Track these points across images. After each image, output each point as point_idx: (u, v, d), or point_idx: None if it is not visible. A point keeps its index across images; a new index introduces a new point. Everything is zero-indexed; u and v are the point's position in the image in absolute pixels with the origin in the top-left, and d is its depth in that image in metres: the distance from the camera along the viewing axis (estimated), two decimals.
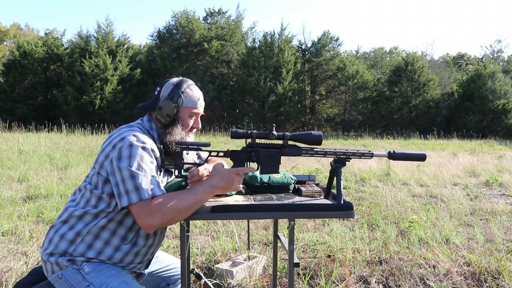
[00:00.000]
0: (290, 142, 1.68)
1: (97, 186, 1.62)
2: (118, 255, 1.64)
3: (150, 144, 1.60)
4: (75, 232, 1.61)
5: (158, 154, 1.62)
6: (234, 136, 1.65)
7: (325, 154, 1.67)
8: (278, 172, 1.72)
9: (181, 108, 1.72)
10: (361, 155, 1.70)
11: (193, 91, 1.76)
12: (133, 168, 1.50)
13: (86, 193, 1.66)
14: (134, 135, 1.58)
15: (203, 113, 1.84)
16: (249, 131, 1.64)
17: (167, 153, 1.69)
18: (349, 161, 1.69)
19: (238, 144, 10.22)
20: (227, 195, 1.80)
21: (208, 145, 1.69)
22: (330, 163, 1.69)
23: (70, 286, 1.59)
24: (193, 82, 1.81)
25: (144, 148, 1.55)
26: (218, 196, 1.77)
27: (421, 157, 1.73)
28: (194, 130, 1.84)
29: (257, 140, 1.68)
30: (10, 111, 22.20)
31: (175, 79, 1.77)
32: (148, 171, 1.53)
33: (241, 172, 1.61)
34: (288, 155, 1.67)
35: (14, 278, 2.82)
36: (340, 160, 1.67)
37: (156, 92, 1.76)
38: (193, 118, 1.79)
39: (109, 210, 1.61)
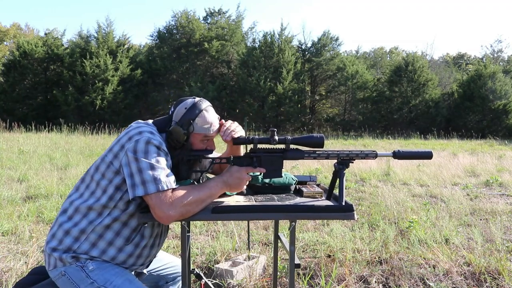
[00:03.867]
0: (292, 146, 1.67)
1: (105, 175, 1.61)
2: (121, 256, 1.65)
3: (165, 146, 1.61)
4: (79, 230, 1.61)
5: (169, 157, 1.64)
6: (236, 142, 1.66)
7: (327, 156, 1.66)
8: (282, 176, 1.72)
9: (192, 134, 1.68)
10: (365, 156, 1.68)
11: (206, 117, 1.68)
12: (152, 161, 1.52)
13: (91, 184, 1.65)
14: (151, 133, 1.59)
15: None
16: (251, 137, 1.64)
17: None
18: (352, 162, 1.68)
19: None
20: (226, 195, 1.80)
21: (210, 152, 1.70)
22: (334, 164, 1.68)
23: (73, 283, 1.59)
24: (209, 104, 1.72)
25: (159, 148, 1.57)
26: (220, 196, 1.78)
27: (427, 155, 1.69)
28: None
29: (259, 145, 1.67)
30: (10, 111, 22.20)
31: (189, 102, 1.69)
32: (164, 166, 1.55)
33: (251, 172, 1.65)
34: (290, 159, 1.67)
35: (14, 278, 2.81)
36: (343, 162, 1.66)
37: (170, 112, 1.71)
38: (205, 142, 1.74)
39: (111, 205, 1.60)
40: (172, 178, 1.56)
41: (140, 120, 1.73)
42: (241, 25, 29.02)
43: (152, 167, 1.52)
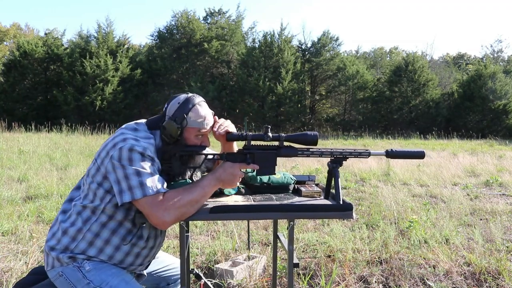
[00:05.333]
0: (286, 143, 1.68)
1: (94, 179, 1.62)
2: (118, 255, 1.65)
3: (150, 150, 1.59)
4: (76, 229, 1.62)
5: (157, 160, 1.62)
6: (230, 139, 1.66)
7: (321, 154, 1.67)
8: (275, 174, 1.72)
9: (185, 129, 1.66)
10: (358, 154, 1.69)
11: (199, 111, 1.67)
12: (137, 167, 1.52)
13: (85, 187, 1.67)
14: (136, 140, 1.58)
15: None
16: (245, 133, 1.64)
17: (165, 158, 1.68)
18: (345, 160, 1.69)
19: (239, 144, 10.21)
20: (224, 194, 1.80)
21: (204, 148, 1.70)
22: (327, 163, 1.69)
23: (70, 284, 1.60)
24: (202, 100, 1.72)
25: (143, 155, 1.55)
26: (218, 195, 1.77)
27: (420, 155, 1.70)
28: None
29: (253, 142, 1.67)
30: (10, 111, 22.18)
31: (182, 97, 1.69)
32: (150, 171, 1.55)
33: (245, 168, 1.64)
34: (284, 156, 1.67)
35: (14, 278, 2.82)
36: (336, 160, 1.67)
37: (164, 109, 1.71)
38: (200, 137, 1.72)
39: (101, 207, 1.61)
40: (160, 182, 1.54)
41: (132, 123, 1.72)
42: (241, 25, 29.02)
43: (138, 173, 1.51)
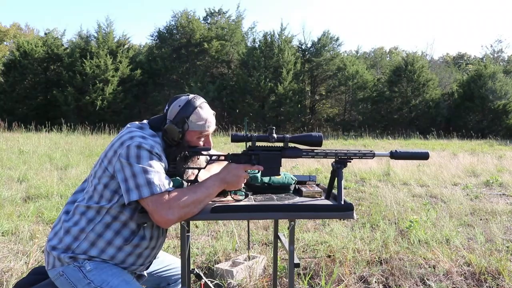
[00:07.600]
0: (290, 144, 1.68)
1: (101, 180, 1.61)
2: (120, 255, 1.65)
3: (157, 148, 1.60)
4: (79, 229, 1.62)
5: (164, 158, 1.63)
6: (234, 139, 1.66)
7: (326, 155, 1.66)
8: (280, 175, 1.72)
9: (187, 132, 1.66)
10: (362, 155, 1.68)
11: (201, 114, 1.67)
12: (144, 165, 1.52)
13: (90, 188, 1.66)
14: (143, 137, 1.58)
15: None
16: (249, 135, 1.64)
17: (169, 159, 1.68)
18: (350, 161, 1.68)
19: (239, 145, 10.21)
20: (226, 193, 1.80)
21: (208, 149, 1.70)
22: (332, 164, 1.68)
23: (71, 283, 1.60)
24: (203, 101, 1.72)
25: (151, 152, 1.56)
26: (218, 195, 1.77)
27: (424, 156, 1.70)
28: None
29: (257, 143, 1.67)
30: (10, 111, 22.19)
31: (183, 99, 1.68)
32: (157, 169, 1.55)
33: (249, 169, 1.64)
34: (288, 157, 1.67)
35: (14, 278, 2.82)
36: (341, 161, 1.66)
37: (165, 110, 1.70)
38: (202, 139, 1.73)
39: (108, 207, 1.60)
40: (167, 180, 1.55)
41: (136, 122, 1.72)
42: (241, 25, 29.02)
43: (146, 171, 1.51)
